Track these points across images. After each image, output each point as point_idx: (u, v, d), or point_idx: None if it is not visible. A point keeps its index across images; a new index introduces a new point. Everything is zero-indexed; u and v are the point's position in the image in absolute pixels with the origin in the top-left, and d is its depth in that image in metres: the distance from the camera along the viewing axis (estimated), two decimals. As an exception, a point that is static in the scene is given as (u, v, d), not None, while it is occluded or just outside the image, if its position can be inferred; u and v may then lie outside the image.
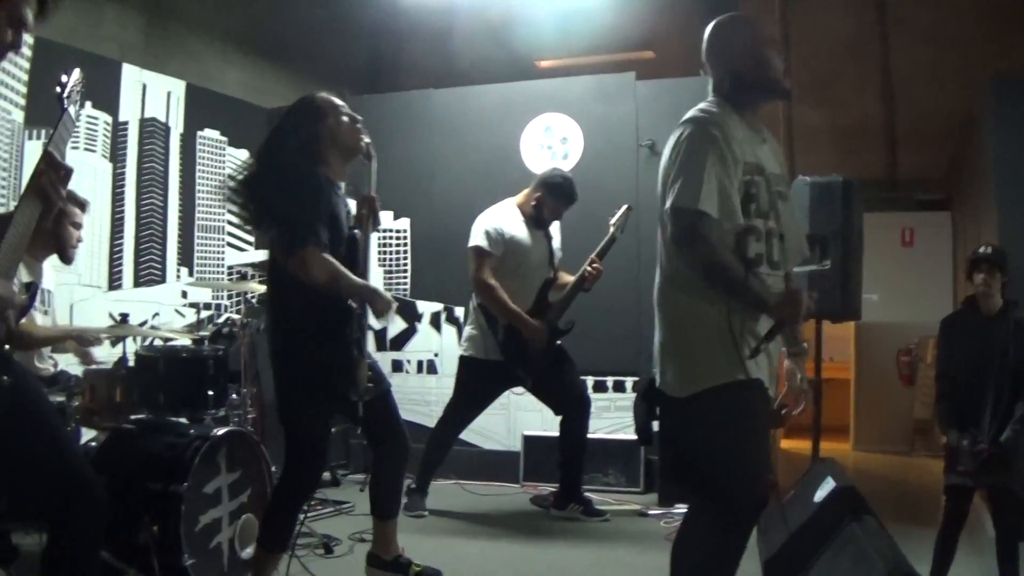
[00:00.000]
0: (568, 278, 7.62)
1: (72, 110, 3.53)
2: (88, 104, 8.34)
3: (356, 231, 5.31)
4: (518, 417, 9.01)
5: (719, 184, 3.86)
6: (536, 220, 7.58)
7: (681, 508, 7.49)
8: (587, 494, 7.76)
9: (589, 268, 7.44)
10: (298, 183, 5.04)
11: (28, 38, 7.23)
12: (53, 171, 3.34)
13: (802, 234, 4.41)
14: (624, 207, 7.60)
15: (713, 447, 3.97)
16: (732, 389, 3.85)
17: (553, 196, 7.56)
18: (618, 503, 8.06)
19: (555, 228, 7.79)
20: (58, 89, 3.50)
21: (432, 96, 9.89)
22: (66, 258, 6.21)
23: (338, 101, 5.36)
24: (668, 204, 3.94)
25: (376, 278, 9.83)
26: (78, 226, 6.14)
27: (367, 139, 5.42)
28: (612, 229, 7.55)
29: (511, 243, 7.44)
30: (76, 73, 3.58)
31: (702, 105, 4.11)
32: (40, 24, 3.45)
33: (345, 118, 5.30)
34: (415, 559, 5.75)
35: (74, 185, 3.47)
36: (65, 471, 3.43)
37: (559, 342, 7.57)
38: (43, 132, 7.71)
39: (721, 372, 3.86)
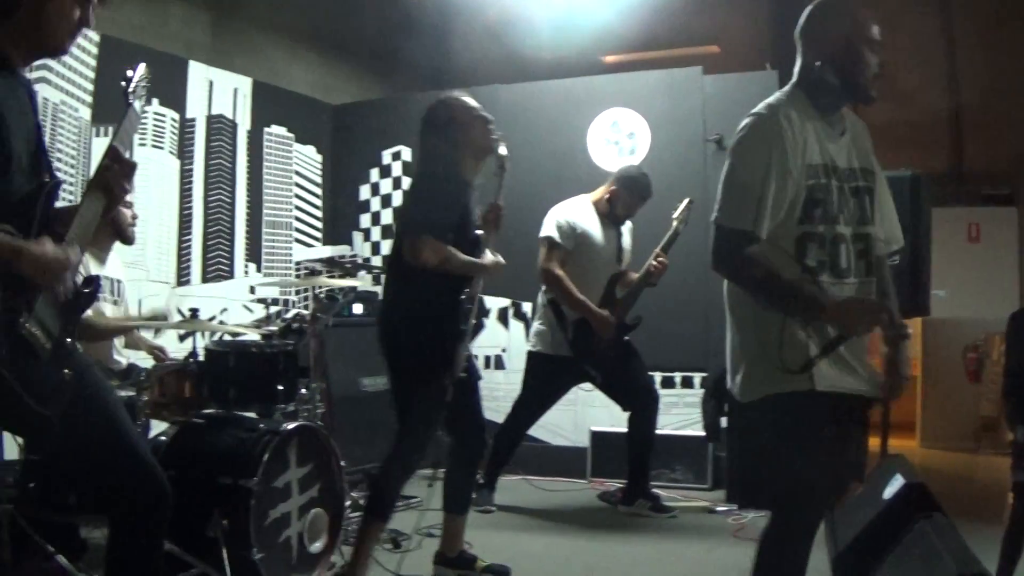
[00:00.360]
0: (634, 276, 7.60)
1: (137, 105, 3.53)
2: (155, 101, 8.43)
3: (479, 232, 5.59)
4: (586, 413, 8.98)
5: (763, 196, 3.71)
6: (610, 216, 7.59)
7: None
8: (655, 490, 7.75)
9: (654, 262, 7.43)
10: (430, 181, 5.44)
11: (94, 35, 7.33)
12: (118, 166, 3.37)
13: (893, 225, 4.24)
14: (686, 200, 7.60)
15: (770, 454, 3.91)
16: (792, 399, 3.75)
17: (628, 190, 7.57)
18: (685, 499, 8.02)
19: (627, 229, 7.78)
20: (123, 84, 3.51)
21: (499, 92, 9.87)
22: (126, 239, 6.27)
23: (471, 102, 5.63)
24: (711, 218, 3.87)
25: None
26: (129, 204, 6.20)
27: (504, 150, 5.69)
28: (675, 223, 7.55)
29: (582, 237, 7.44)
30: (142, 68, 3.57)
31: (771, 99, 3.94)
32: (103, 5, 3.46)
33: (477, 120, 5.52)
34: (483, 555, 5.78)
35: (142, 181, 3.51)
36: (128, 463, 3.43)
37: (627, 338, 7.55)
38: (110, 129, 7.78)
39: (780, 381, 3.78)
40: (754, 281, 3.76)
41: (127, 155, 3.40)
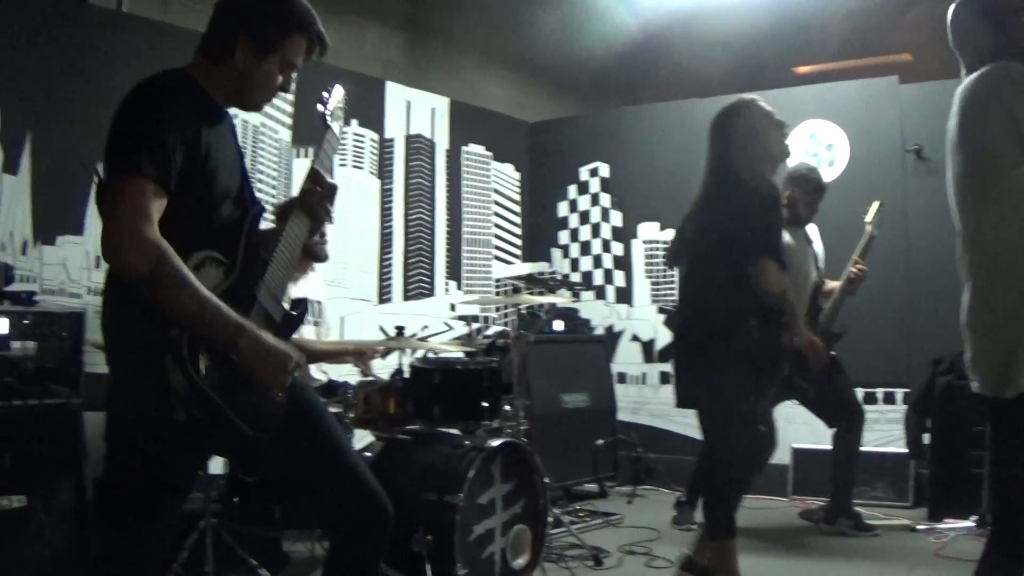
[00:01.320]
0: (833, 284, 7.45)
1: (336, 127, 3.58)
2: (355, 122, 8.55)
3: None
4: (787, 429, 8.81)
5: None
6: (794, 221, 7.43)
7: (951, 524, 7.29)
8: (856, 509, 7.58)
9: (854, 269, 7.27)
10: (754, 196, 5.26)
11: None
12: (319, 188, 3.41)
13: None
14: (876, 204, 7.41)
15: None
16: None
17: (803, 189, 7.41)
18: (887, 518, 7.82)
19: (814, 232, 7.61)
20: (320, 107, 3.56)
21: (695, 106, 9.82)
22: (319, 257, 6.37)
23: (766, 107, 5.48)
24: None
25: (643, 289, 9.87)
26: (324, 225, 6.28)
27: None
28: (868, 227, 7.37)
29: None
30: (338, 90, 3.62)
31: (1002, 70, 3.74)
32: (307, 65, 3.48)
33: (774, 126, 5.46)
34: (685, 571, 5.70)
35: (343, 201, 3.54)
36: (351, 484, 3.45)
37: (833, 352, 7.39)
38: (310, 150, 7.92)
39: None
40: None
41: (328, 177, 3.43)
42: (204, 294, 2.92)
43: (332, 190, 3.47)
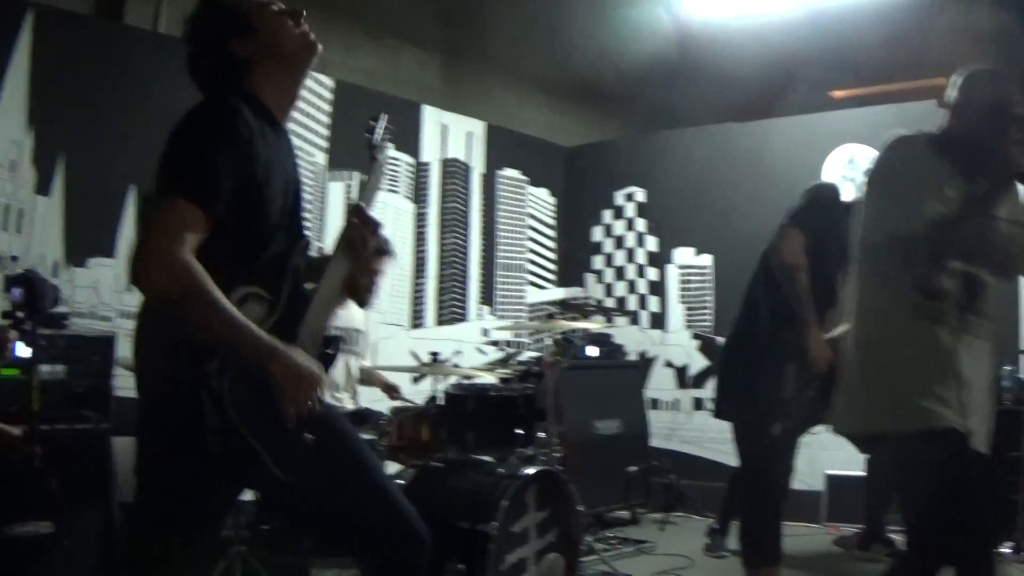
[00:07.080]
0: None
1: (381, 157, 3.55)
2: (390, 145, 8.54)
3: None
4: (821, 456, 8.76)
5: None
6: None
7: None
8: (892, 535, 7.51)
9: None
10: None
11: (328, 81, 7.49)
12: (361, 223, 3.38)
13: None
14: None
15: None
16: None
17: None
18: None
19: None
20: (367, 135, 3.53)
21: (732, 130, 9.80)
22: (360, 302, 6.36)
23: None
24: None
25: (677, 315, 9.83)
26: (376, 273, 6.31)
27: None
28: None
29: None
30: (384, 118, 3.57)
31: None
32: None
33: None
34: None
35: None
36: (388, 509, 3.41)
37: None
38: (345, 174, 7.93)
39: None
40: None
41: (368, 211, 3.39)
42: (237, 319, 2.85)
43: (374, 226, 3.42)
